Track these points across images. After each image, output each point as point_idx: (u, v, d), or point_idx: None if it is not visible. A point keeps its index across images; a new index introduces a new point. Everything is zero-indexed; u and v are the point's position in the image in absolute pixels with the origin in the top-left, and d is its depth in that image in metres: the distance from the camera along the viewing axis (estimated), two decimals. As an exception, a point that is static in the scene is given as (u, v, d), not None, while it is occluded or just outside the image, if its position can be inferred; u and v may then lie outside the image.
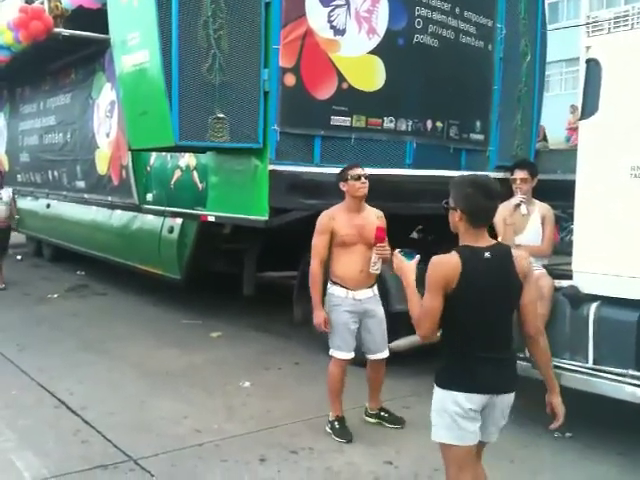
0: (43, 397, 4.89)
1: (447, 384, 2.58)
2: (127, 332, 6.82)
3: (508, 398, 2.62)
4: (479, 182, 2.58)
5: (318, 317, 4.17)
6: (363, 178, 4.18)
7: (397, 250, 2.81)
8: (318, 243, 4.20)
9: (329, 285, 4.24)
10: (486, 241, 2.57)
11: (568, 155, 8.65)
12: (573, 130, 14.84)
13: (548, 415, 2.70)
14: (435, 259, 2.51)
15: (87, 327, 6.99)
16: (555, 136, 13.91)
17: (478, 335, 2.54)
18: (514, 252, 2.59)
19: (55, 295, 8.53)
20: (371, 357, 4.33)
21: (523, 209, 4.54)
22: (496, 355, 2.56)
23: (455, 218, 2.56)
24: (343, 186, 4.23)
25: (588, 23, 26.39)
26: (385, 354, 4.33)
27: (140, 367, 5.67)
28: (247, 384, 5.26)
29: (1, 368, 5.57)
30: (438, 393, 2.62)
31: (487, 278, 2.51)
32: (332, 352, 4.25)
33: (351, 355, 4.24)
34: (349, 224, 4.18)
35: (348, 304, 4.17)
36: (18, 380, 5.25)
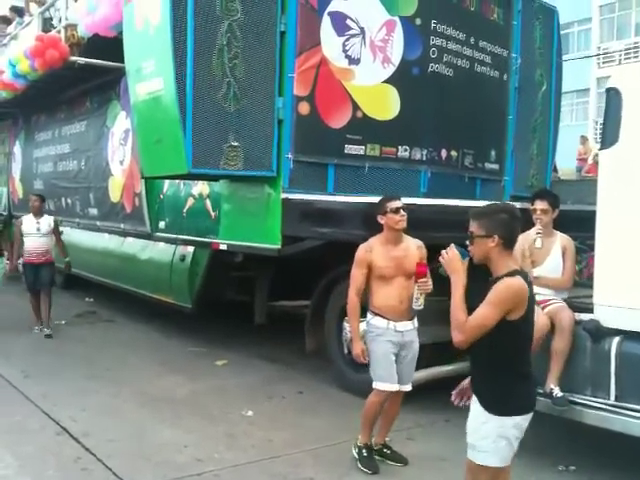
0: (46, 424, 4.84)
1: (507, 410, 2.67)
2: (132, 359, 6.77)
3: None
4: (509, 208, 2.79)
5: (357, 348, 4.14)
6: (402, 211, 4.12)
7: (452, 244, 2.80)
8: (356, 275, 4.16)
9: (369, 315, 4.17)
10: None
11: (579, 185, 8.64)
12: (584, 160, 14.84)
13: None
14: (514, 282, 2.62)
15: (93, 354, 6.93)
16: (566, 167, 13.92)
17: (529, 357, 2.76)
18: None
19: (63, 322, 8.47)
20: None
21: (538, 242, 4.46)
22: (532, 372, 2.82)
23: (489, 245, 2.67)
24: (381, 219, 4.16)
25: (599, 54, 26.57)
26: (409, 387, 4.23)
27: (143, 394, 5.61)
28: (250, 413, 5.19)
29: (6, 394, 5.51)
30: (496, 421, 2.67)
31: (533, 302, 2.73)
32: (376, 384, 4.12)
33: (395, 387, 4.12)
34: (387, 257, 4.12)
35: (390, 335, 4.09)
36: (22, 407, 5.20)
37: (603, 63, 27.01)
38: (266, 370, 6.54)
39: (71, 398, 5.42)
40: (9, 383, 5.78)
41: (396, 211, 4.11)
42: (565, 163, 14.01)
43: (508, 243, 2.69)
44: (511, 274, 2.66)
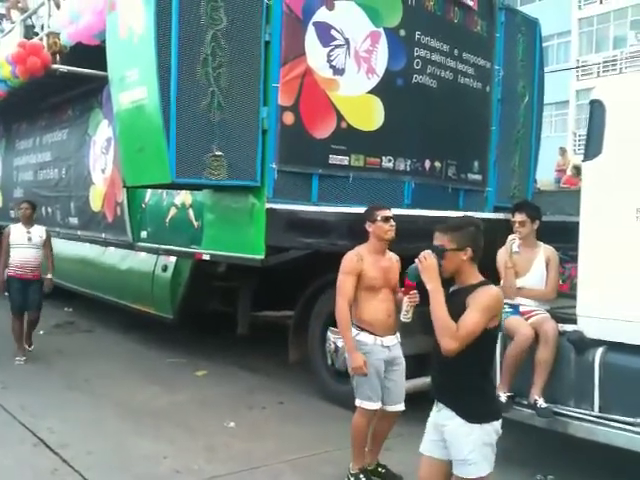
0: (24, 435, 4.78)
1: (488, 417, 2.70)
2: (112, 370, 6.69)
3: None
4: (476, 221, 2.85)
5: (357, 360, 3.89)
6: (391, 220, 4.07)
7: (429, 251, 2.76)
8: (346, 284, 3.98)
9: (355, 331, 4.02)
10: None
11: (558, 196, 8.72)
12: (562, 172, 15.02)
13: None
14: (496, 290, 2.74)
15: (72, 365, 6.85)
16: (544, 178, 14.09)
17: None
18: None
19: (41, 332, 8.32)
20: (390, 408, 4.06)
21: (514, 247, 4.49)
22: None
23: (462, 258, 2.71)
24: (369, 227, 4.09)
25: (578, 67, 26.95)
26: (403, 406, 4.10)
27: (123, 406, 5.56)
28: (232, 424, 5.15)
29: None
30: (479, 429, 2.67)
31: None
32: (360, 403, 3.99)
33: (379, 405, 4.00)
34: (376, 267, 4.03)
35: (377, 351, 3.98)
36: (-1, 418, 5.13)
37: (582, 76, 27.42)
38: (247, 380, 6.50)
39: (50, 409, 5.35)
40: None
41: (386, 220, 4.05)
42: (544, 174, 14.17)
43: (477, 255, 2.77)
44: (486, 283, 2.73)
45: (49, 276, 7.06)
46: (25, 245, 6.98)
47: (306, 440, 4.78)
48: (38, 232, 7.12)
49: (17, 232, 7.07)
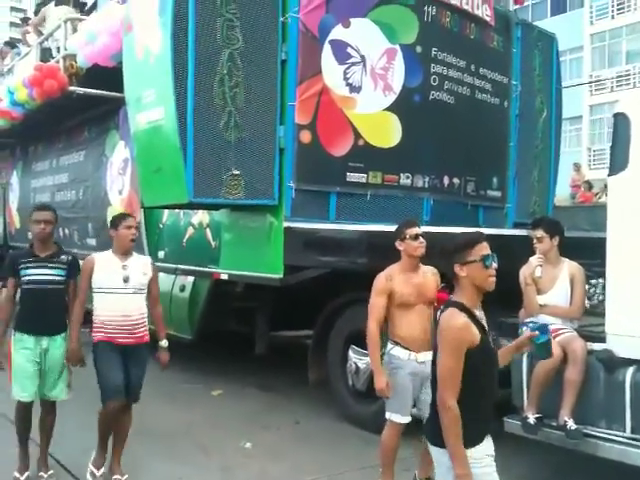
0: (38, 456, 4.73)
1: None
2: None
3: None
4: None
5: (380, 382, 3.96)
6: (421, 237, 4.06)
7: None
8: (376, 304, 4.04)
9: (390, 345, 4.06)
10: None
11: (573, 212, 8.62)
12: (577, 187, 14.97)
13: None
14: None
15: (85, 386, 6.75)
16: (559, 193, 14.03)
17: None
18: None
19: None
20: None
21: (537, 271, 4.39)
22: None
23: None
24: (400, 245, 4.10)
25: (591, 82, 26.86)
26: None
27: (137, 426, 5.42)
28: (248, 445, 5.09)
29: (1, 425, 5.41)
30: None
31: None
32: (390, 416, 4.01)
33: (408, 419, 4.00)
34: (408, 283, 4.04)
35: (410, 366, 3.98)
36: (15, 438, 4.99)
37: (595, 91, 27.31)
38: (263, 400, 6.44)
39: (64, 430, 5.24)
40: (5, 417, 5.62)
41: (415, 238, 4.05)
42: (559, 190, 14.11)
43: None
44: None
45: (163, 344, 4.55)
46: (120, 290, 4.19)
47: (322, 461, 4.73)
48: (140, 266, 4.29)
49: (105, 268, 4.23)
